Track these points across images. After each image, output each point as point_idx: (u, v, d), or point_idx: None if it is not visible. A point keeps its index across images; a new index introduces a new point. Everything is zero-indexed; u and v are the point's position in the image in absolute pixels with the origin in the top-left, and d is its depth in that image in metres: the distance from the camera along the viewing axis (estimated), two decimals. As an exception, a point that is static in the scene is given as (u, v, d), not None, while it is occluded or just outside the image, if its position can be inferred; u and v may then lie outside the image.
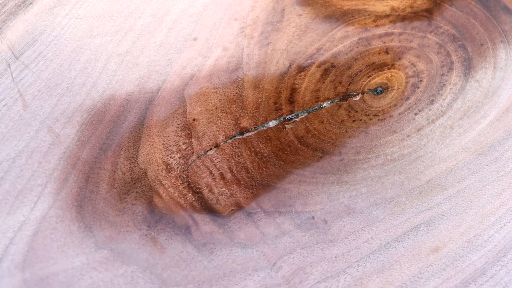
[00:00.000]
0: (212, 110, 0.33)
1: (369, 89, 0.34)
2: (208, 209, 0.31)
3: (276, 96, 0.33)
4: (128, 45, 0.34)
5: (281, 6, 0.35)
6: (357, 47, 0.34)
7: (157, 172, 0.31)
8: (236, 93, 0.33)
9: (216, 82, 0.34)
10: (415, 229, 0.31)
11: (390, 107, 0.33)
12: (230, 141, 0.32)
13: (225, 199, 0.31)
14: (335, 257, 0.30)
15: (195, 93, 0.33)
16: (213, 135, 0.32)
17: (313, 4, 0.35)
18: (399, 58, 0.34)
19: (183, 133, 0.32)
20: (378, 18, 0.35)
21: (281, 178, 0.31)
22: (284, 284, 0.29)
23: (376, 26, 0.35)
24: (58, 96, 0.32)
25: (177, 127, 0.32)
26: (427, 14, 0.35)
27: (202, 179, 0.31)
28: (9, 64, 0.33)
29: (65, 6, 0.34)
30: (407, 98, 0.34)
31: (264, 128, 0.33)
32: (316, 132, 0.33)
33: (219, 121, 0.33)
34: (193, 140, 0.32)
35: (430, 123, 0.33)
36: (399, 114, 0.33)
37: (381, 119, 0.33)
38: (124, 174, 0.31)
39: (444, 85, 0.34)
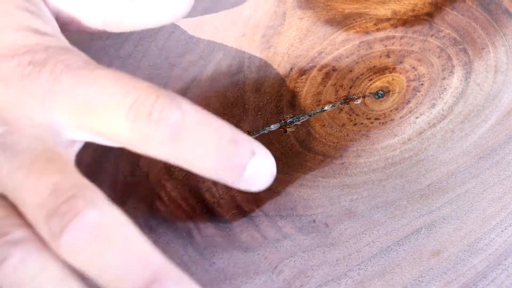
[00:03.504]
0: (213, 113, 0.33)
1: (370, 93, 0.34)
2: (210, 212, 0.31)
3: (278, 100, 0.33)
4: (130, 49, 0.34)
5: (282, 10, 0.35)
6: (358, 51, 0.34)
7: (158, 175, 0.31)
8: (237, 96, 0.33)
9: (217, 86, 0.34)
10: (416, 232, 0.31)
11: (391, 110, 0.33)
12: (231, 144, 0.32)
13: (226, 203, 0.31)
14: (336, 260, 0.30)
15: (197, 96, 0.33)
16: (215, 138, 0.32)
17: (314, 7, 0.35)
18: (400, 62, 0.34)
19: (185, 137, 0.32)
20: (379, 21, 0.35)
21: (282, 182, 0.32)
22: (285, 287, 0.29)
23: (378, 29, 0.35)
24: (60, 99, 0.33)
25: (179, 130, 0.32)
26: (428, 17, 0.35)
27: (204, 182, 0.31)
28: (11, 67, 0.33)
29: (67, 10, 0.34)
30: (408, 102, 0.34)
31: (265, 132, 0.33)
32: (317, 136, 0.33)
33: (221, 124, 0.33)
34: (194, 143, 0.32)
35: (431, 127, 0.33)
36: (400, 117, 0.33)
37: (382, 123, 0.33)
38: (126, 177, 0.31)
39: (445, 89, 0.34)
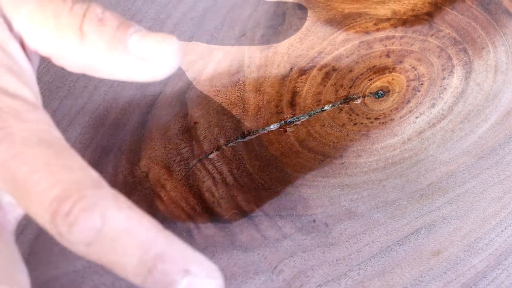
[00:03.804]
0: (213, 114, 0.33)
1: (370, 93, 0.34)
2: (209, 212, 0.31)
3: (278, 99, 0.33)
4: (130, 48, 0.34)
5: (282, 10, 0.35)
6: (358, 51, 0.34)
7: (158, 175, 0.31)
8: (237, 96, 0.33)
9: (217, 85, 0.34)
10: (416, 232, 0.31)
11: (391, 110, 0.33)
12: (231, 144, 0.32)
13: (226, 203, 0.31)
14: (336, 260, 0.30)
15: (196, 96, 0.33)
16: (214, 138, 0.32)
17: (314, 7, 0.35)
18: (400, 62, 0.34)
19: (184, 137, 0.32)
20: (379, 21, 0.35)
21: (282, 182, 0.32)
22: (285, 287, 0.29)
23: (377, 29, 0.35)
24: (60, 99, 0.33)
25: (178, 131, 0.33)
26: (428, 17, 0.35)
27: (203, 182, 0.31)
28: (10, 67, 0.33)
29: (67, 9, 0.34)
30: (408, 102, 0.34)
31: (265, 132, 0.33)
32: (317, 135, 0.33)
33: (221, 124, 0.33)
34: (194, 143, 0.32)
35: (431, 127, 0.33)
36: (400, 117, 0.33)
37: (382, 123, 0.33)
38: (126, 177, 0.31)
39: (445, 88, 0.34)
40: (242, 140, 0.33)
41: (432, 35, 0.35)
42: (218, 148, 0.32)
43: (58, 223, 0.22)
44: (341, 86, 0.34)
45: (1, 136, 0.23)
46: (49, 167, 0.23)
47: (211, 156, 0.32)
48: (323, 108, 0.33)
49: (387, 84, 0.34)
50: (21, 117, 0.24)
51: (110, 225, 0.22)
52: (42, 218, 0.23)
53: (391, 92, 0.34)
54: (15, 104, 0.24)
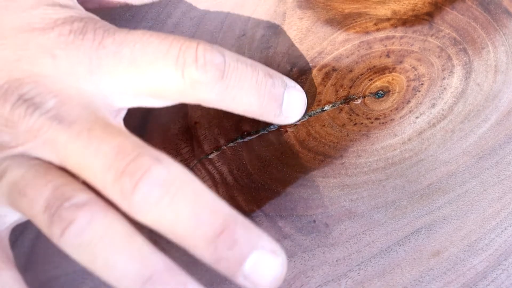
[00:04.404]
0: (213, 113, 0.33)
1: (370, 93, 0.34)
2: (210, 212, 0.31)
3: (278, 100, 0.33)
4: (130, 48, 0.34)
5: (283, 10, 0.35)
6: (359, 51, 0.34)
7: (158, 176, 0.31)
8: (238, 96, 0.33)
9: (218, 85, 0.34)
10: (416, 232, 0.31)
11: (391, 110, 0.33)
12: (231, 144, 0.32)
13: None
14: (337, 260, 0.30)
15: (197, 96, 0.33)
16: (214, 138, 0.32)
17: (314, 7, 0.35)
18: (400, 62, 0.34)
19: (184, 137, 0.32)
20: (379, 21, 0.35)
21: (282, 182, 0.32)
22: (285, 287, 0.29)
23: (377, 29, 0.35)
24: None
25: (179, 130, 0.33)
26: (428, 17, 0.35)
27: (204, 182, 0.31)
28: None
29: (67, 9, 0.34)
30: (408, 102, 0.34)
31: (266, 132, 0.33)
32: (317, 136, 0.33)
33: (221, 124, 0.33)
34: (194, 143, 0.32)
35: (431, 127, 0.33)
36: (400, 117, 0.33)
37: (382, 123, 0.33)
38: (126, 177, 0.31)
39: (445, 88, 0.34)
40: (242, 140, 0.32)
41: (432, 35, 0.35)
42: (218, 148, 0.32)
43: (192, 70, 0.25)
44: (341, 86, 0.34)
45: (102, 33, 0.25)
46: (157, 37, 0.26)
47: (211, 156, 0.32)
48: (323, 108, 0.33)
49: (387, 84, 0.34)
50: (102, 21, 0.26)
51: (229, 56, 0.26)
52: (174, 78, 0.25)
53: (391, 92, 0.34)
54: (90, 15, 0.27)
